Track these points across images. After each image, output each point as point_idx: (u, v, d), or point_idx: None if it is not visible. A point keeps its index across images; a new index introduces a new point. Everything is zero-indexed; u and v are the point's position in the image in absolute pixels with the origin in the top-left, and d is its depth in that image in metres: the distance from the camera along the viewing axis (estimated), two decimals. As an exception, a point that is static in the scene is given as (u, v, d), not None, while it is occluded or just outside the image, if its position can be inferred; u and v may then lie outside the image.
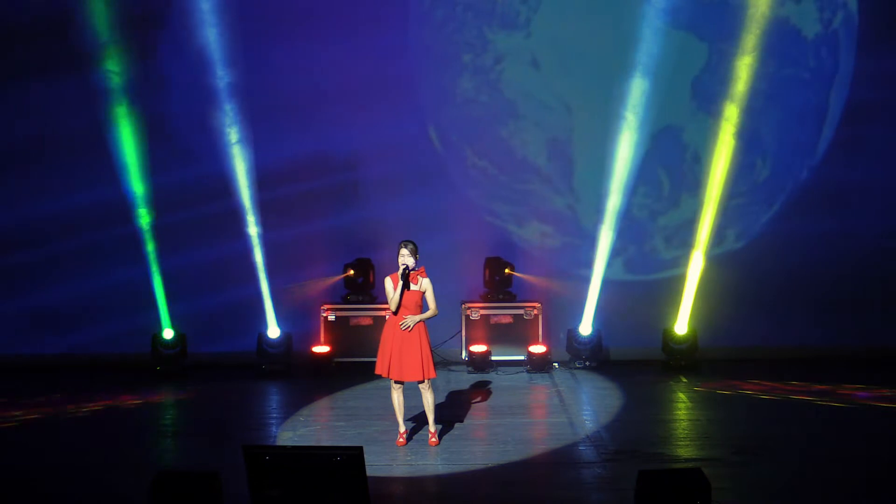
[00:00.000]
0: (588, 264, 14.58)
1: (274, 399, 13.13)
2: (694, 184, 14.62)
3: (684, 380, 13.63)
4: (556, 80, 14.52)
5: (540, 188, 14.71)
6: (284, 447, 9.64)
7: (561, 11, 14.43)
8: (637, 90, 14.25)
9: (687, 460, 9.97)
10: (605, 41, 14.32)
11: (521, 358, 14.28)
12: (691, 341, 14.33)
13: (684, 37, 14.35)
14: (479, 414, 11.87)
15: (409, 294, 10.20)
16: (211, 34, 14.14)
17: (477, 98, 14.63)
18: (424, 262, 10.42)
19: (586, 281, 14.56)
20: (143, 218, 14.36)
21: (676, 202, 14.70)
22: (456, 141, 14.74)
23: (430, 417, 10.51)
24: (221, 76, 14.25)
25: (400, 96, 14.59)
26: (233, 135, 14.30)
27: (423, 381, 10.30)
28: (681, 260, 14.72)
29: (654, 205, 14.71)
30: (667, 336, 14.37)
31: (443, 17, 14.55)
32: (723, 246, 14.75)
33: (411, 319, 10.17)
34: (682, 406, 12.55)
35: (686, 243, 14.61)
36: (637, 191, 14.63)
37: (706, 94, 14.46)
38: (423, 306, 10.30)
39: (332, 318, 14.51)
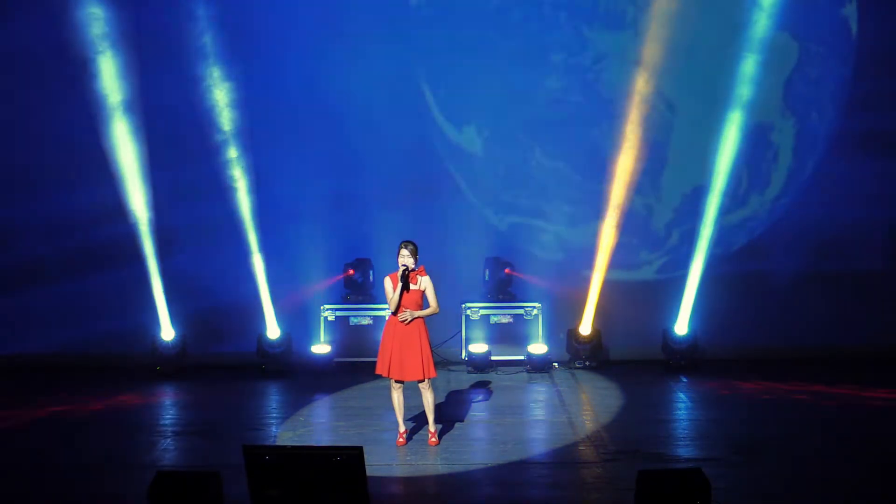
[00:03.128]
0: (622, 264, 14.62)
1: (274, 399, 13.13)
2: (764, 183, 14.64)
3: (684, 380, 13.63)
4: (662, 79, 14.41)
5: (619, 187, 14.58)
6: (284, 447, 9.63)
7: (670, 10, 14.29)
8: (737, 89, 14.26)
9: (687, 460, 9.97)
10: (711, 39, 14.26)
11: (521, 358, 14.28)
12: (691, 341, 14.33)
13: (780, 36, 14.34)
14: (479, 414, 11.87)
15: (409, 294, 10.21)
16: (215, 32, 14.15)
17: (565, 98, 14.50)
18: (425, 263, 10.42)
19: (586, 281, 14.56)
20: (143, 217, 14.34)
21: (745, 201, 14.68)
22: (523, 141, 14.61)
23: (430, 417, 10.51)
24: (224, 76, 14.24)
25: (426, 96, 14.60)
26: (230, 131, 14.31)
27: (423, 381, 10.30)
28: (681, 260, 14.71)
29: (726, 203, 14.65)
30: (667, 336, 14.37)
31: (522, 17, 14.44)
32: (724, 246, 14.74)
33: (409, 313, 10.18)
34: (682, 406, 12.56)
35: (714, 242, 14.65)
36: (716, 189, 14.62)
37: (795, 93, 14.47)
38: (424, 304, 10.31)
39: (332, 318, 14.51)
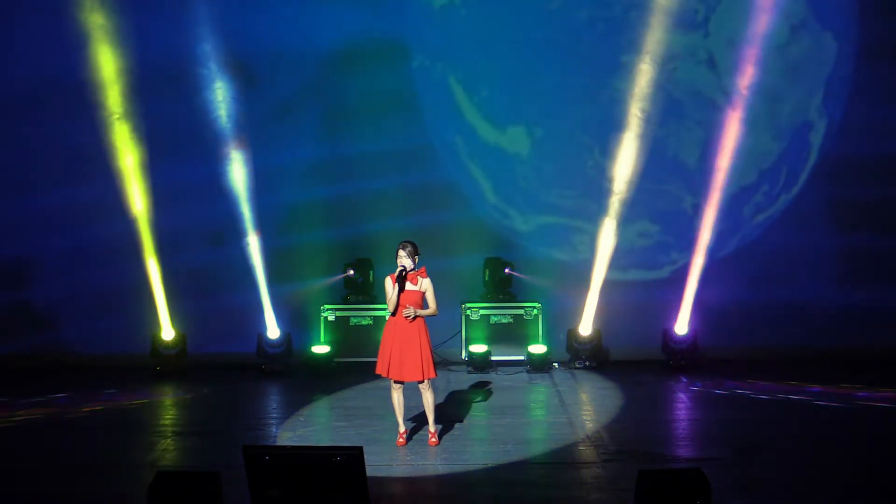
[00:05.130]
0: (621, 265, 14.64)
1: (274, 399, 13.13)
2: (793, 182, 14.65)
3: (684, 380, 13.63)
4: (731, 78, 14.40)
5: (674, 188, 14.57)
6: (284, 447, 9.64)
7: (741, 9, 14.30)
8: (793, 87, 14.36)
9: (687, 460, 9.97)
10: (778, 38, 14.29)
11: (521, 358, 14.28)
12: (691, 341, 14.32)
13: (825, 35, 14.42)
14: (479, 414, 11.87)
15: (409, 294, 10.20)
16: (218, 30, 14.15)
17: (632, 98, 14.48)
18: (427, 262, 10.43)
19: (586, 281, 14.55)
20: (143, 217, 14.33)
21: (776, 199, 14.70)
22: (581, 141, 14.53)
23: (430, 417, 10.51)
24: (225, 72, 14.23)
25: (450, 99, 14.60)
26: (230, 129, 14.30)
27: (423, 381, 10.30)
28: (681, 260, 14.71)
29: (763, 202, 14.67)
30: (666, 336, 14.37)
31: (589, 18, 14.38)
32: (724, 246, 14.74)
33: (413, 310, 10.17)
34: (682, 406, 12.56)
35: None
36: (760, 189, 14.61)
37: (832, 93, 14.51)
38: (424, 306, 10.30)
39: (332, 318, 14.51)
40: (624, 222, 14.62)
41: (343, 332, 14.49)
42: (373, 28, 14.47)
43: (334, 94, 14.53)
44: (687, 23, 14.37)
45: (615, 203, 14.53)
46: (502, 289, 14.61)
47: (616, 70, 14.44)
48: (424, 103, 14.68)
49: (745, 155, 14.47)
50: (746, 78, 14.28)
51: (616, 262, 14.67)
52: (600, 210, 14.62)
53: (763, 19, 14.17)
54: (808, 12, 14.35)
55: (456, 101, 14.70)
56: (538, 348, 14.20)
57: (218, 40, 14.17)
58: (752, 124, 14.42)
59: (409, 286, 10.23)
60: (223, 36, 14.19)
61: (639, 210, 14.62)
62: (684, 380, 13.62)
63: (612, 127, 14.48)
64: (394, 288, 10.20)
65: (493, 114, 14.68)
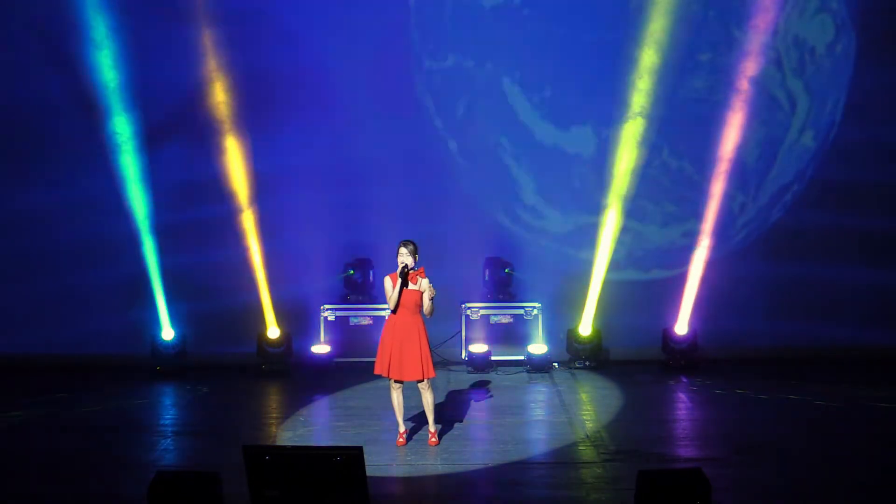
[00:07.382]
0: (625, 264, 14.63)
1: (274, 399, 13.13)
2: (811, 178, 14.70)
3: (684, 380, 13.63)
4: (794, 78, 14.45)
5: (728, 187, 14.53)
6: (284, 447, 9.64)
7: (805, 8, 14.34)
8: (832, 86, 14.47)
9: (687, 460, 9.97)
10: (826, 36, 14.37)
11: (521, 358, 14.28)
12: (691, 341, 14.32)
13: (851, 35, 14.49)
14: (479, 414, 11.87)
15: (408, 293, 10.21)
16: (218, 36, 14.15)
17: (708, 97, 14.41)
18: (424, 262, 10.44)
19: (586, 281, 14.55)
20: (143, 216, 14.33)
21: (805, 199, 14.70)
22: (651, 140, 14.47)
23: (430, 417, 10.51)
24: (228, 71, 14.23)
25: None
26: (231, 128, 14.30)
27: (422, 381, 10.30)
28: (681, 259, 14.70)
29: (790, 200, 14.69)
30: (667, 336, 14.37)
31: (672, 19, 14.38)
32: (724, 245, 14.73)
33: (425, 288, 10.15)
34: (682, 406, 12.56)
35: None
36: (791, 188, 14.61)
37: (853, 91, 14.59)
38: (422, 306, 10.30)
39: (332, 318, 14.51)
40: (673, 222, 14.61)
41: (343, 332, 14.49)
42: (382, 29, 14.45)
43: (342, 94, 14.51)
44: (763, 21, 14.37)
45: (672, 203, 14.52)
46: (502, 289, 14.60)
47: (692, 70, 14.41)
48: (455, 105, 14.60)
49: (790, 153, 14.48)
50: (805, 75, 14.35)
51: (641, 262, 14.67)
52: (657, 210, 14.57)
53: (819, 18, 14.22)
54: (846, 12, 14.37)
55: (509, 101, 14.59)
56: (538, 348, 14.20)
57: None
58: (801, 123, 14.42)
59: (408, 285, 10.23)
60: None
61: (690, 208, 14.59)
62: (684, 380, 13.62)
63: (683, 126, 14.45)
64: (395, 286, 10.20)
65: (554, 114, 14.59)
